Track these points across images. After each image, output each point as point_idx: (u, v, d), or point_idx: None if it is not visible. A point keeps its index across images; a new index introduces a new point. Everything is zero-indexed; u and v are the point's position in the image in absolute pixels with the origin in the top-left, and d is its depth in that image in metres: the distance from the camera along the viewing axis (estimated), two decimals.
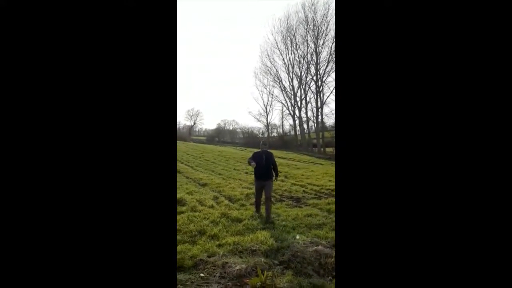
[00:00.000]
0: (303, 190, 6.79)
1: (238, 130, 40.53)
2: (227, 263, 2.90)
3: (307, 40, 25.78)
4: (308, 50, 25.92)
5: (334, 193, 6.45)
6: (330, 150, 23.60)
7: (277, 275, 2.66)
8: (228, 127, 40.65)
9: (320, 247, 3.24)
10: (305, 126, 27.37)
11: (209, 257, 3.05)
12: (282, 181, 8.06)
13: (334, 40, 24.41)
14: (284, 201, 5.76)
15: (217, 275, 2.71)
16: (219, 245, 3.35)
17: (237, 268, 2.78)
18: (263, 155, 4.46)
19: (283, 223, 4.16)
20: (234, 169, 10.93)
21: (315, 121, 26.61)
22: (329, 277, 2.75)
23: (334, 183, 7.84)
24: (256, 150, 4.99)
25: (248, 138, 32.69)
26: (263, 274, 2.58)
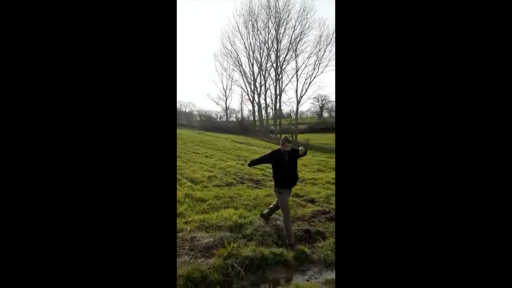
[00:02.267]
0: (262, 173, 7.21)
1: (195, 112, 39.58)
2: (195, 237, 3.13)
3: (268, 26, 25.88)
4: (269, 36, 26.10)
5: None
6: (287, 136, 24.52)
7: (241, 246, 2.98)
8: (184, 109, 39.37)
9: (278, 222, 3.64)
10: (263, 112, 27.94)
11: (177, 232, 3.24)
12: (242, 164, 8.40)
13: (294, 30, 24.95)
14: (245, 183, 6.10)
15: (187, 247, 2.94)
16: (186, 222, 3.55)
17: (205, 241, 3.04)
18: (285, 156, 3.26)
19: (245, 202, 4.49)
20: (193, 152, 10.95)
21: (273, 108, 27.33)
22: (308, 246, 3.16)
23: None
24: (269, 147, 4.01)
25: (205, 122, 32.24)
26: (229, 246, 2.87)
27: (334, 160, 11.32)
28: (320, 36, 31.42)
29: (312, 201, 5.03)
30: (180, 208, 3.99)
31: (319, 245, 3.27)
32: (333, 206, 4.81)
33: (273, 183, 3.37)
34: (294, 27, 25.16)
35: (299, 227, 3.61)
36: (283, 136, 3.51)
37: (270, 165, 3.59)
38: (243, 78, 28.48)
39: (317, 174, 7.70)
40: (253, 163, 3.46)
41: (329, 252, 3.08)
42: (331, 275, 2.67)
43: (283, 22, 25.43)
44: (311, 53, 27.36)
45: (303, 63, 42.54)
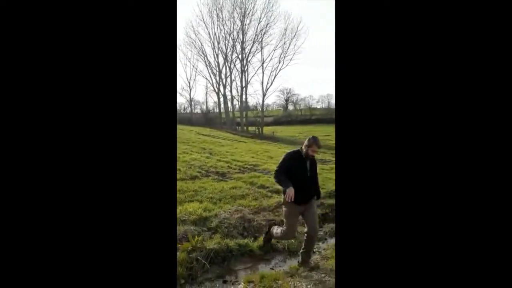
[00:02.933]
0: (228, 166, 7.17)
1: None
2: None
3: (233, 17, 25.51)
4: (235, 27, 25.77)
5: (256, 168, 7.03)
6: (253, 129, 24.71)
7: (206, 239, 2.94)
8: None
9: (243, 214, 3.66)
10: (229, 104, 27.71)
11: None
12: (208, 157, 8.28)
13: (259, 22, 24.89)
14: (210, 176, 6.02)
15: None
16: None
17: None
18: (306, 161, 2.47)
19: (210, 195, 4.44)
20: None
21: (239, 100, 27.21)
22: (252, 238, 3.19)
23: (256, 159, 8.48)
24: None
25: None
26: (194, 239, 2.83)
27: None
28: (285, 29, 31.73)
29: (277, 191, 5.13)
30: None
31: None
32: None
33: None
34: (260, 18, 25.12)
35: (264, 218, 3.66)
36: (311, 136, 2.48)
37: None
38: (207, 69, 27.90)
39: None
40: (279, 176, 2.40)
41: (292, 241, 3.18)
42: (294, 262, 2.75)
43: (248, 13, 25.24)
44: (277, 46, 27.56)
45: (269, 55, 42.68)
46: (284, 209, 2.54)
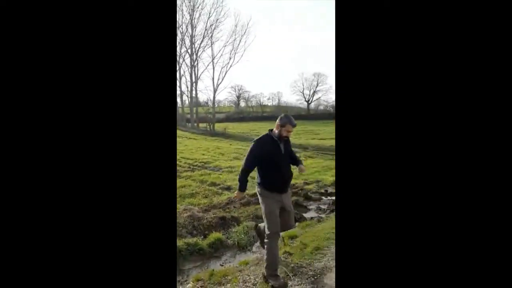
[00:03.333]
0: (177, 164, 6.95)
1: None
2: None
3: (182, 10, 24.58)
4: (183, 20, 24.87)
5: (207, 165, 6.95)
6: (204, 125, 24.24)
7: None
8: None
9: (192, 212, 3.60)
10: (179, 100, 26.73)
11: None
12: None
13: (209, 16, 24.39)
14: None
15: None
16: None
17: None
18: (280, 144, 2.17)
19: None
20: None
21: (189, 96, 26.43)
22: (201, 236, 3.17)
23: (207, 156, 8.36)
24: None
25: None
26: None
27: None
28: (236, 26, 31.70)
29: (228, 188, 5.15)
30: None
31: (233, 230, 3.39)
32: (248, 191, 5.04)
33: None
34: (210, 13, 24.70)
35: (214, 215, 3.65)
36: (282, 114, 2.22)
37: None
38: None
39: (234, 162, 7.90)
40: (242, 176, 2.20)
41: (243, 236, 3.23)
42: (244, 257, 2.81)
43: (197, 7, 24.56)
44: (227, 42, 27.50)
45: (219, 51, 42.33)
46: (262, 202, 2.19)
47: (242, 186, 2.23)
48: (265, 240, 2.15)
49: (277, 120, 2.15)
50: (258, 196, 2.25)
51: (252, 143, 2.20)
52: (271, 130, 2.21)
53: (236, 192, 2.30)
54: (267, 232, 2.14)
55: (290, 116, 2.16)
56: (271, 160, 2.12)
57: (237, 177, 2.31)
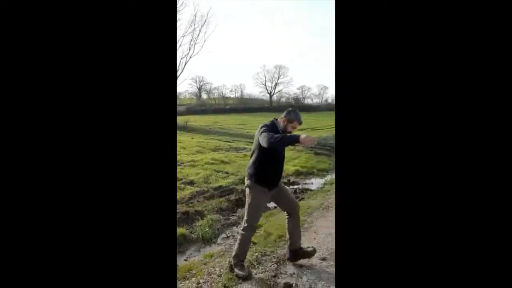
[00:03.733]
0: None
1: None
2: None
3: None
4: None
5: None
6: None
7: None
8: None
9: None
10: None
11: None
12: None
13: None
14: None
15: None
16: None
17: None
18: (284, 138, 1.89)
19: None
20: None
21: None
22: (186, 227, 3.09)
23: None
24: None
25: None
26: None
27: (214, 141, 11.66)
28: (195, 16, 30.68)
29: (191, 183, 5.06)
30: None
31: (197, 224, 3.35)
32: (212, 185, 5.00)
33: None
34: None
35: (177, 210, 3.57)
36: (290, 108, 2.15)
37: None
38: None
39: (197, 155, 7.77)
40: (276, 137, 1.87)
41: (207, 229, 3.21)
42: (208, 250, 2.80)
43: None
44: (186, 32, 26.35)
45: (178, 41, 40.71)
46: (249, 196, 2.09)
47: (290, 138, 1.86)
48: (240, 231, 2.13)
49: (284, 114, 2.09)
50: (247, 189, 2.14)
51: (264, 127, 2.03)
52: (276, 119, 2.13)
53: (302, 137, 1.78)
54: (244, 224, 2.10)
55: (298, 112, 2.11)
56: (273, 151, 2.01)
57: (270, 142, 1.88)
